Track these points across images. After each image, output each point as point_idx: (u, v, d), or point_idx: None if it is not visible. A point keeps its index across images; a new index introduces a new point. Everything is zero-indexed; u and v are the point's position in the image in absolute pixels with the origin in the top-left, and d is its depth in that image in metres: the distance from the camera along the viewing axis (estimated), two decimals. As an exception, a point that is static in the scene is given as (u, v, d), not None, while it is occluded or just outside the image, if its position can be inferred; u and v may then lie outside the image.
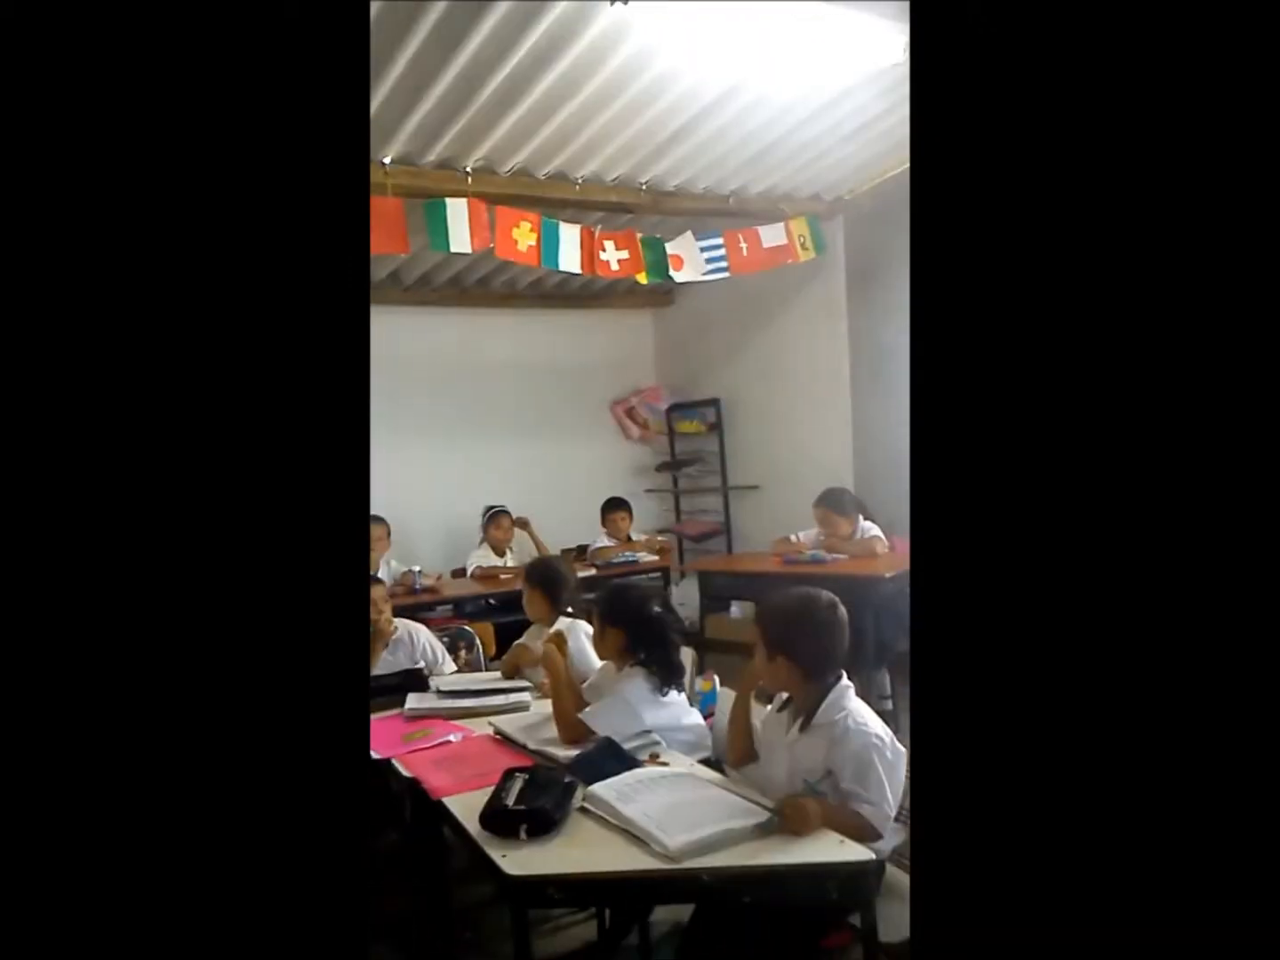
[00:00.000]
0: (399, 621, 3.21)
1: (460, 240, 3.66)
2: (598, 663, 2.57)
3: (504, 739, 2.25)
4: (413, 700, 2.61)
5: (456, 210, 3.64)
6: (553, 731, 2.21)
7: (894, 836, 1.80)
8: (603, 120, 3.47)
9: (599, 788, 1.74)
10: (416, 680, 2.79)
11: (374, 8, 2.53)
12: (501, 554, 4.91)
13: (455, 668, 3.26)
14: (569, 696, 2.29)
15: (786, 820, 1.58)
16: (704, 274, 4.28)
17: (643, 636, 2.32)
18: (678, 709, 2.27)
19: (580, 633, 2.76)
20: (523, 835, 1.60)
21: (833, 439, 5.06)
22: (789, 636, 1.88)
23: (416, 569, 4.41)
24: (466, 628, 3.71)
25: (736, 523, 5.91)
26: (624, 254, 4.10)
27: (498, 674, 2.96)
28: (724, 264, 4.28)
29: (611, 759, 1.91)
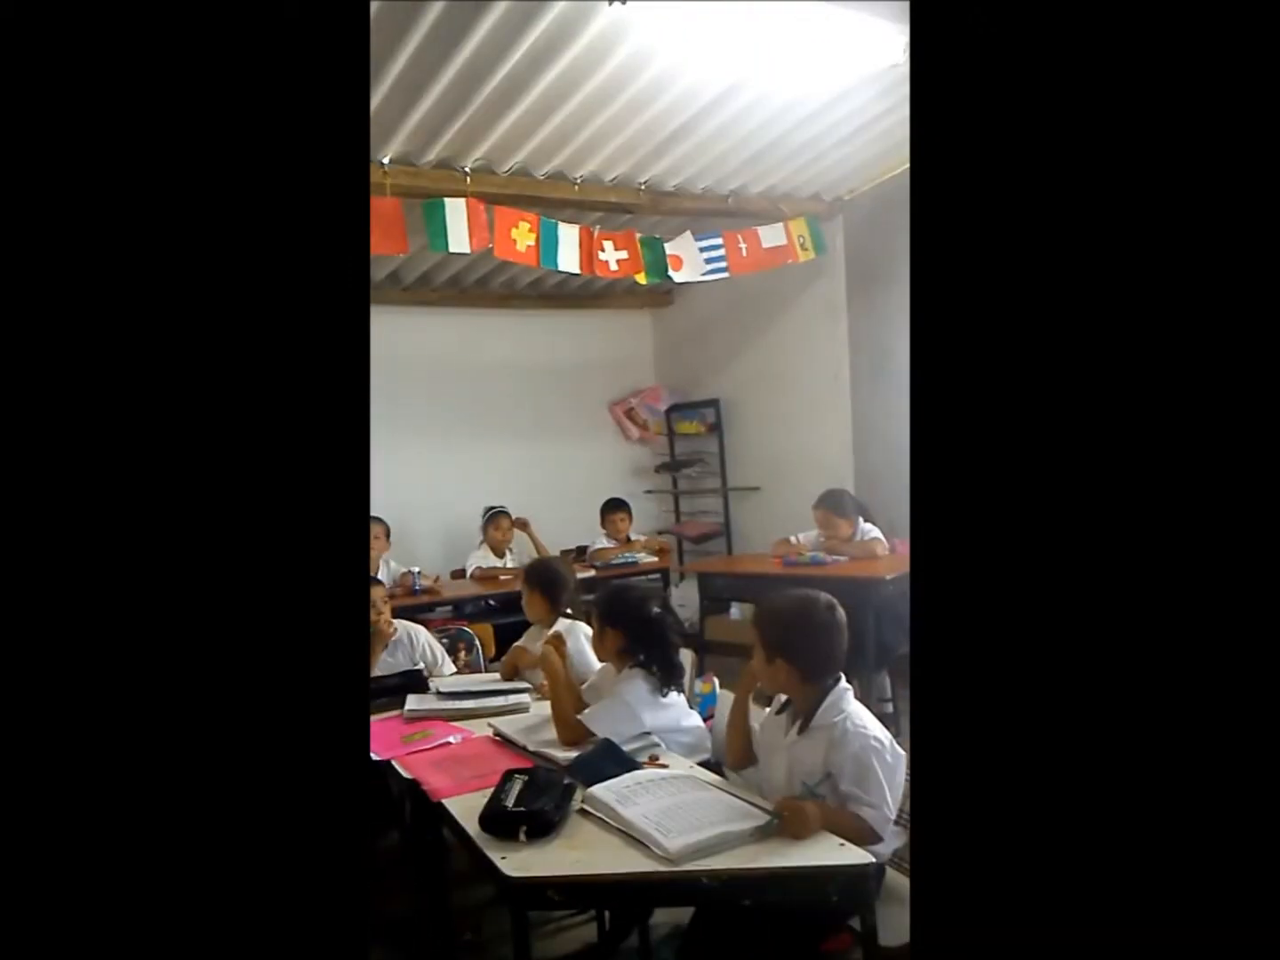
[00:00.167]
0: (398, 623, 3.21)
1: (459, 240, 3.66)
2: (597, 664, 2.57)
3: (503, 740, 2.25)
4: (412, 701, 2.61)
5: (455, 210, 3.64)
6: (552, 733, 2.20)
7: (894, 839, 1.80)
8: (602, 120, 3.47)
9: (598, 790, 1.74)
10: (416, 681, 2.79)
11: (373, 7, 2.53)
12: (501, 555, 4.91)
13: (455, 669, 3.26)
14: (568, 698, 2.28)
15: (786, 823, 1.58)
16: (703, 274, 4.28)
17: (642, 638, 2.31)
18: (677, 711, 2.26)
19: (580, 634, 2.76)
20: (522, 837, 1.60)
21: (833, 440, 5.05)
22: (787, 639, 1.88)
23: (415, 570, 4.41)
24: (466, 629, 3.71)
25: (736, 524, 5.91)
26: (623, 254, 4.10)
27: (497, 675, 2.96)
28: (723, 264, 4.28)
29: (611, 761, 1.91)
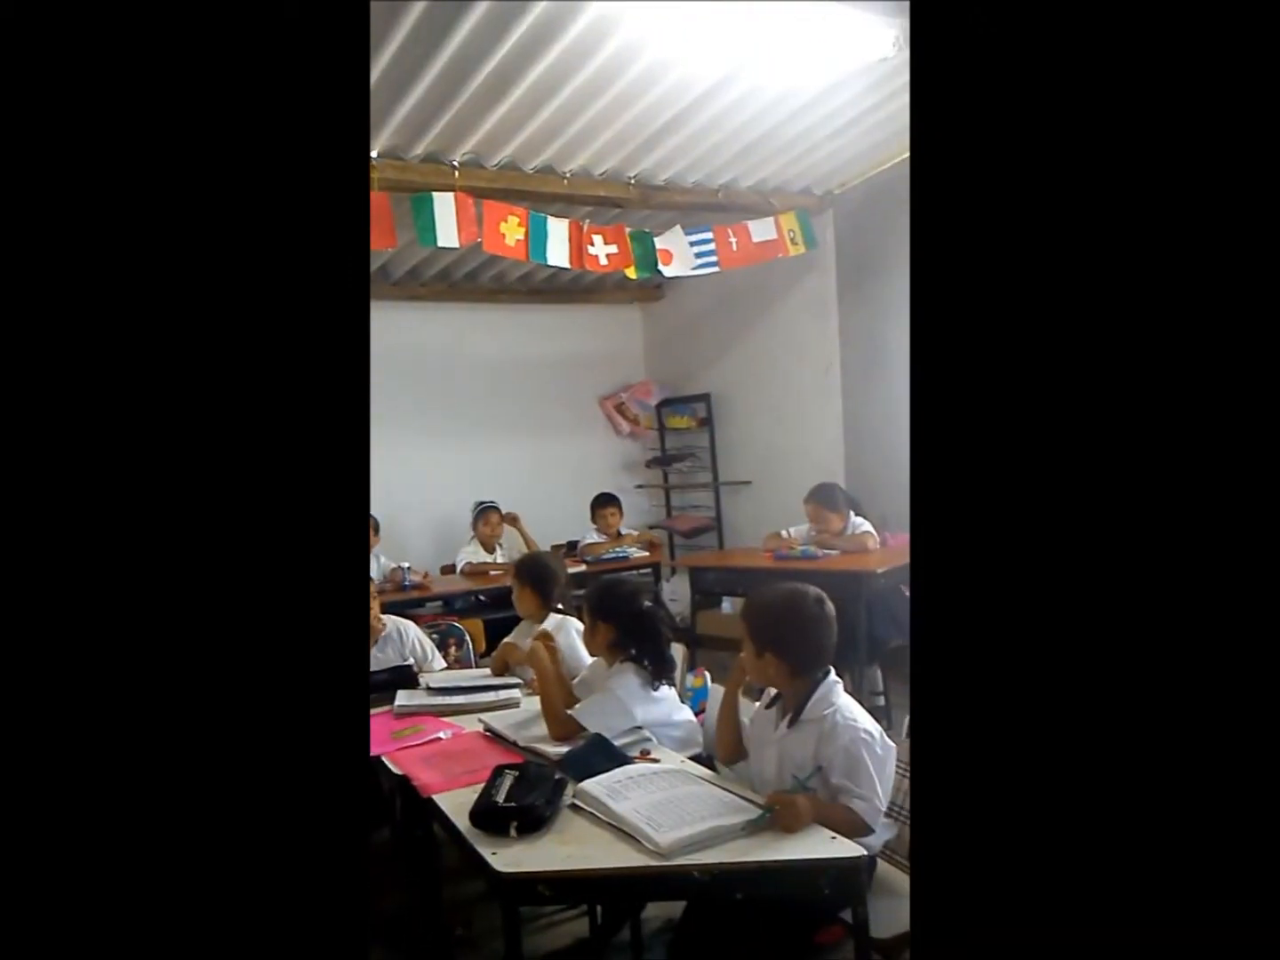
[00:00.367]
0: (388, 618, 3.20)
1: (447, 235, 3.65)
2: (589, 659, 2.57)
3: (494, 736, 2.24)
4: (402, 697, 2.60)
5: (444, 204, 3.63)
6: (543, 728, 2.20)
7: (885, 831, 1.80)
8: (591, 114, 3.46)
9: (589, 784, 1.74)
10: (406, 677, 2.78)
11: None
12: (491, 550, 4.90)
13: (445, 664, 3.25)
14: (558, 693, 2.28)
15: (777, 816, 1.58)
16: (693, 269, 4.28)
17: (634, 631, 2.31)
18: (668, 705, 2.26)
19: (571, 629, 2.76)
20: (513, 832, 1.59)
21: (824, 434, 5.06)
22: (776, 633, 1.88)
23: (405, 565, 4.40)
24: (456, 624, 3.70)
25: (727, 518, 5.92)
26: (613, 248, 4.09)
27: (488, 671, 2.95)
28: (713, 259, 4.28)
29: (602, 756, 1.91)
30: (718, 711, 2.07)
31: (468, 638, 3.60)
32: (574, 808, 1.70)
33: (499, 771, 1.79)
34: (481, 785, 1.76)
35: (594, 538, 5.06)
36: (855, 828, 1.65)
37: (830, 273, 4.92)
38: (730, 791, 1.73)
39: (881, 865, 1.85)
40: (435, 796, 1.84)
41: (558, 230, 3.93)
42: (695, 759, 2.07)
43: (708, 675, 2.69)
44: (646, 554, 4.92)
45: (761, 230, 4.36)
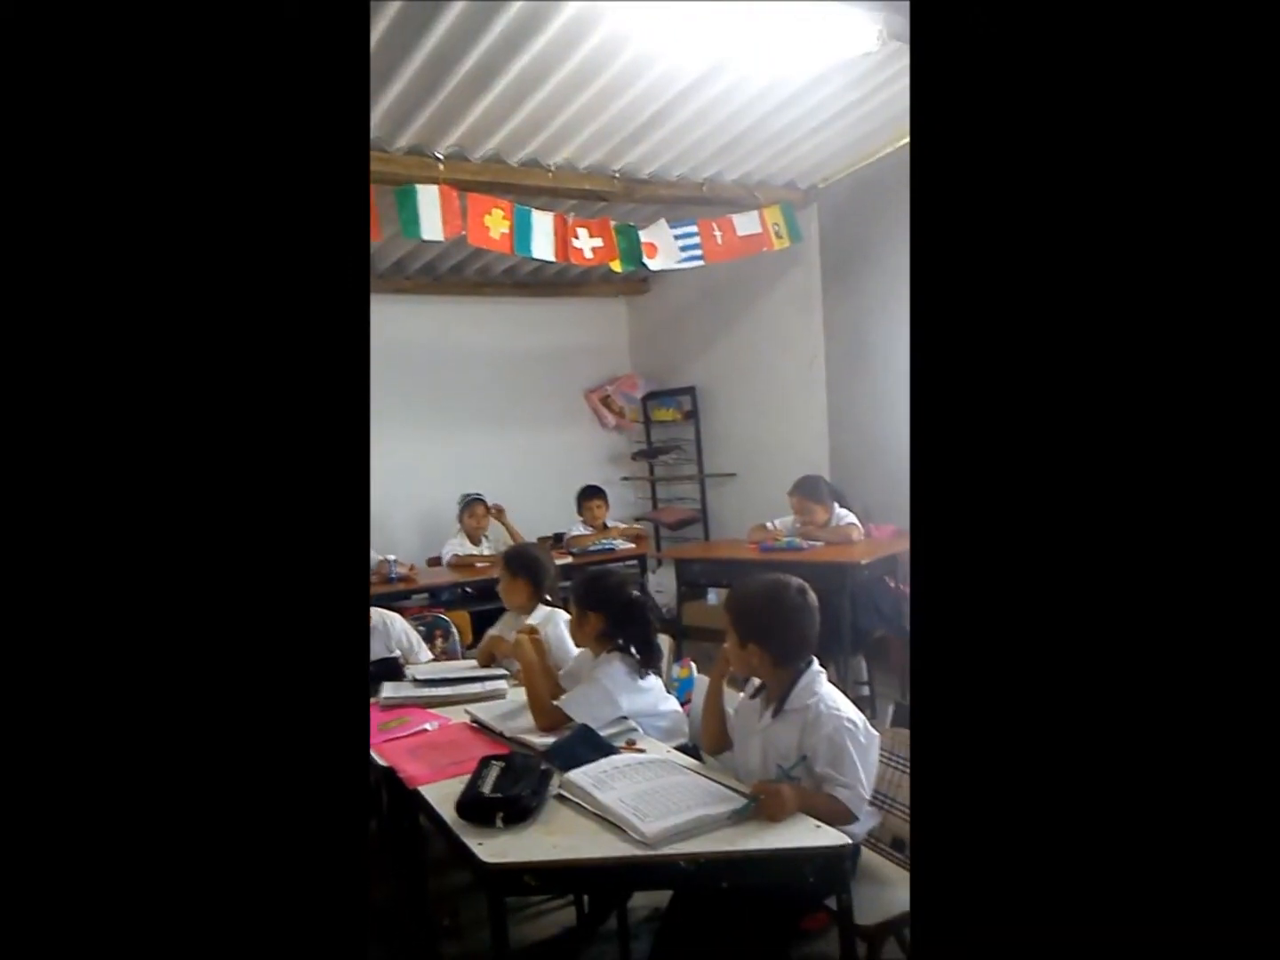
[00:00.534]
0: (374, 610, 3.18)
1: (432, 228, 3.64)
2: (577, 651, 2.57)
3: (480, 727, 2.25)
4: (388, 689, 2.60)
5: (428, 197, 3.62)
6: (529, 719, 2.20)
7: (869, 819, 1.82)
8: (576, 106, 3.46)
9: (575, 775, 1.74)
10: (392, 669, 2.78)
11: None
12: (477, 542, 4.90)
13: (431, 656, 3.25)
14: (544, 684, 2.29)
15: (762, 806, 1.59)
16: (678, 262, 4.28)
17: (622, 620, 2.32)
18: (655, 695, 2.27)
19: (560, 621, 2.76)
20: (499, 823, 1.60)
21: (808, 426, 5.07)
22: (759, 623, 1.89)
23: (392, 558, 4.39)
24: (442, 616, 3.70)
25: (713, 510, 5.93)
26: (597, 241, 4.09)
27: (474, 662, 2.96)
28: (698, 252, 4.28)
29: (588, 746, 1.91)
30: (703, 702, 2.08)
31: (454, 630, 3.61)
32: (560, 798, 1.71)
33: (485, 762, 1.80)
34: (467, 776, 1.76)
35: (580, 530, 5.06)
36: (839, 816, 1.66)
37: (815, 266, 4.94)
38: (716, 781, 1.74)
39: (865, 853, 1.87)
40: (421, 788, 1.85)
41: (543, 223, 3.93)
42: (681, 749, 2.08)
43: (693, 666, 2.70)
44: (633, 546, 4.92)
45: (746, 224, 4.37)
